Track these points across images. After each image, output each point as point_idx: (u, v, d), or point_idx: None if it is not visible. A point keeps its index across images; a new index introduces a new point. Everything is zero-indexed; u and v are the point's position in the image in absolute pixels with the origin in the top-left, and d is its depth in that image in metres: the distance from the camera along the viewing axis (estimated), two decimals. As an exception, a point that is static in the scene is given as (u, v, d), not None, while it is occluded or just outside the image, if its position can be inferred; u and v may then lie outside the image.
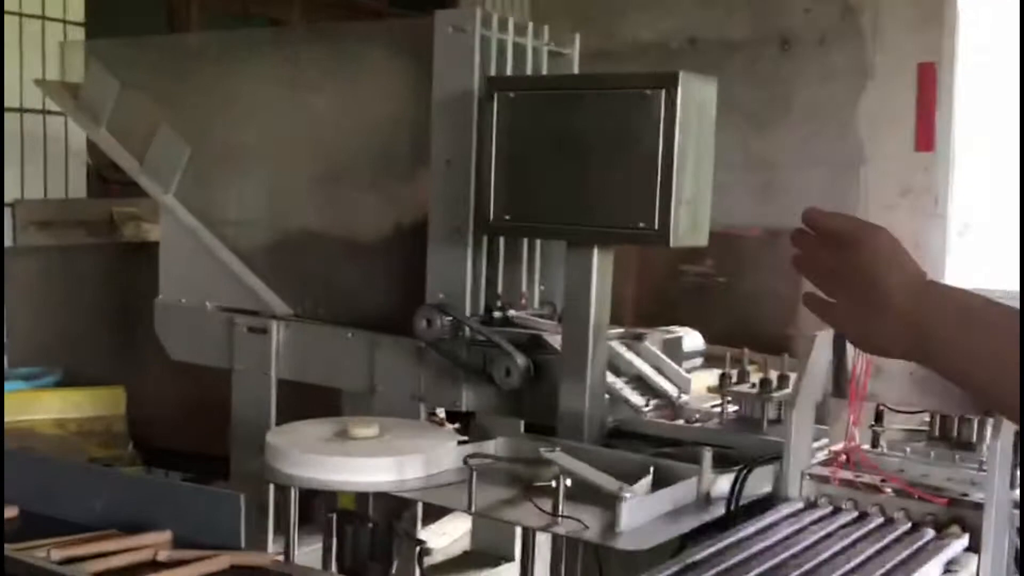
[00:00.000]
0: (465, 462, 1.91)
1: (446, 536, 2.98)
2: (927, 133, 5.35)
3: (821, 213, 1.36)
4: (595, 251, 2.34)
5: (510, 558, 2.93)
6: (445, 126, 2.56)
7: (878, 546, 1.68)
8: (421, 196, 2.65)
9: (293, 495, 2.18)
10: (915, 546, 1.69)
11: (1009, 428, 1.76)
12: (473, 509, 1.89)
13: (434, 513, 2.89)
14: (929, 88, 5.33)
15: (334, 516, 2.11)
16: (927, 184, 5.40)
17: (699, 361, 2.99)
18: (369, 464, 2.01)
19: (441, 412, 3.68)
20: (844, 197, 5.61)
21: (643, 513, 1.81)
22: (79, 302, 3.96)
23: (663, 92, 2.17)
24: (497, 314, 2.64)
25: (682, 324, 3.27)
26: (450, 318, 2.53)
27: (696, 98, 2.23)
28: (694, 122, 2.23)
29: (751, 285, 5.94)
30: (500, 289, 2.68)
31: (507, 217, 2.39)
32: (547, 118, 2.33)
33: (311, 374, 2.89)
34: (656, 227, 2.21)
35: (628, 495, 1.75)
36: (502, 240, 2.67)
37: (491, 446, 2.17)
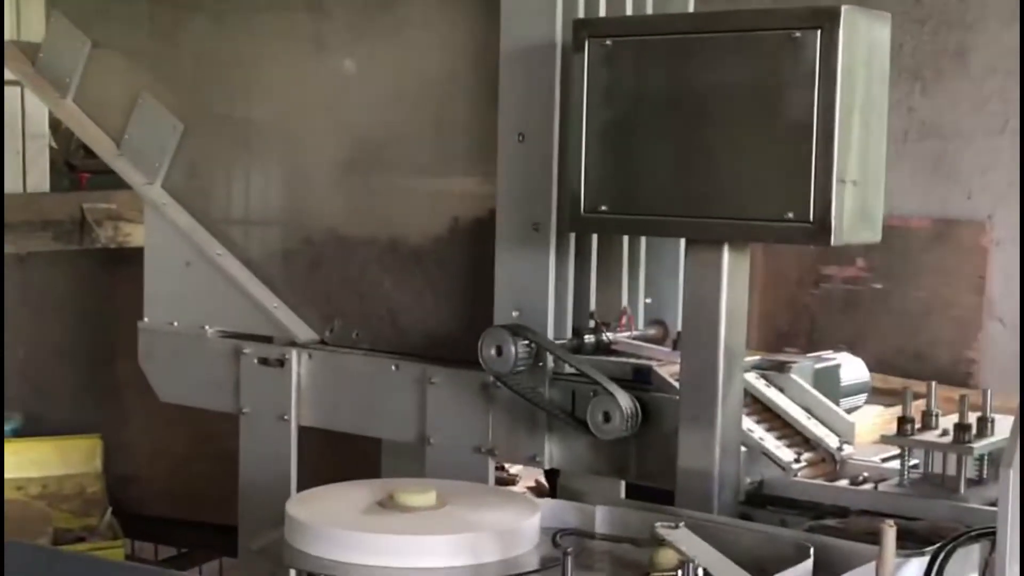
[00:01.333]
0: (555, 542, 1.82)
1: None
2: None
3: None
4: (725, 251, 2.24)
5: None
6: (517, 89, 2.49)
7: None
8: (486, 184, 2.60)
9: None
10: None
11: None
12: (570, 607, 1.79)
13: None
14: None
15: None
16: None
17: (863, 398, 2.88)
18: (426, 544, 1.93)
19: (515, 469, 3.60)
20: (1042, 175, 5.44)
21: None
22: (42, 327, 3.96)
23: (819, 33, 2.07)
24: (590, 338, 2.56)
25: (825, 346, 3.16)
26: (527, 343, 2.44)
27: (864, 41, 2.12)
28: (861, 74, 2.12)
29: (918, 293, 5.79)
30: (593, 304, 2.60)
31: (603, 208, 2.31)
32: (656, 73, 2.24)
33: (343, 419, 2.84)
34: (812, 219, 2.10)
35: None
36: (595, 239, 2.58)
37: (580, 516, 2.08)
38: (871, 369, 3.03)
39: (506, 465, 4.05)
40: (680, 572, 1.73)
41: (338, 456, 3.05)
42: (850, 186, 2.11)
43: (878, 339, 5.90)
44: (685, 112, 2.23)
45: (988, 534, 1.87)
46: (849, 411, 2.72)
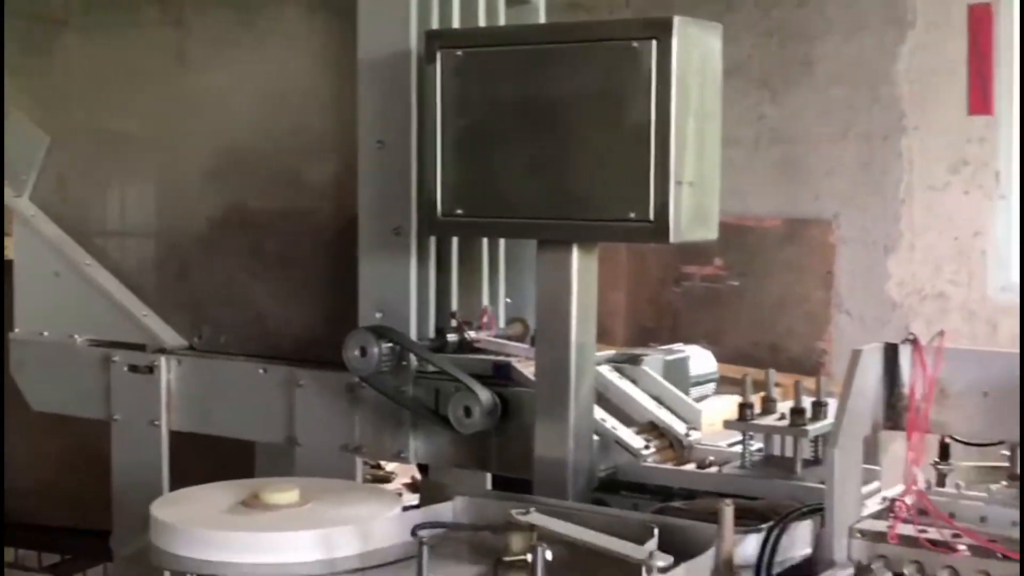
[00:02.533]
0: (414, 534, 1.81)
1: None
2: (983, 93, 5.32)
3: None
4: (574, 251, 2.26)
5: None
6: (375, 97, 2.48)
7: (955, 624, 1.59)
8: (348, 190, 2.57)
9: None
10: (1004, 623, 1.60)
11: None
12: (428, 601, 1.79)
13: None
14: (984, 36, 5.31)
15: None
16: (985, 157, 5.37)
17: (711, 388, 2.91)
18: (286, 540, 1.91)
19: (391, 467, 3.58)
20: (882, 176, 5.59)
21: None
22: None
23: (655, 43, 2.10)
24: (452, 337, 2.55)
25: (687, 340, 3.20)
26: (391, 344, 2.43)
27: (697, 50, 2.16)
28: (695, 81, 2.15)
29: (771, 289, 5.91)
30: (455, 305, 2.60)
31: (459, 212, 2.31)
32: (506, 82, 2.25)
33: (213, 423, 2.80)
34: (651, 218, 2.13)
35: (662, 563, 1.67)
36: (455, 242, 2.59)
37: (447, 510, 2.08)
38: (728, 361, 3.08)
39: (382, 463, 4.03)
40: (531, 554, 1.75)
41: (214, 460, 3.00)
42: (687, 187, 2.14)
43: (737, 333, 6.00)
44: (534, 119, 2.24)
45: (818, 510, 1.92)
46: (699, 400, 2.75)
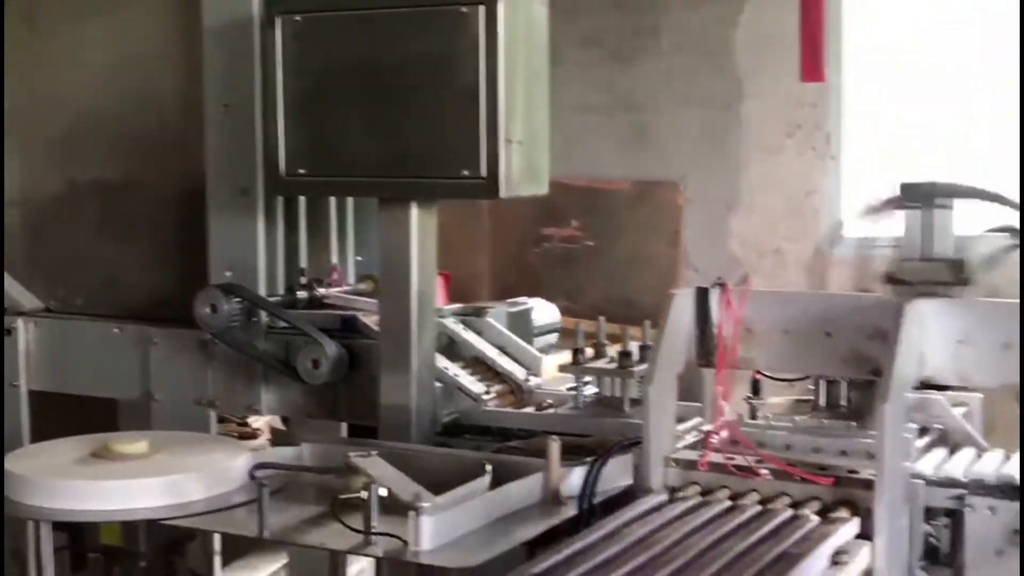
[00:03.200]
0: (252, 476, 1.82)
1: (257, 571, 2.88)
2: (814, 60, 5.45)
3: None
4: (413, 208, 2.28)
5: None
6: (220, 63, 2.46)
7: (753, 539, 1.66)
8: (197, 153, 2.54)
9: (44, 534, 2.05)
10: (796, 536, 1.68)
11: (901, 389, 1.77)
12: (266, 534, 1.80)
13: (243, 545, 2.79)
14: (815, 7, 5.42)
15: (99, 556, 2.00)
16: (817, 121, 5.50)
17: (554, 337, 2.96)
18: (132, 487, 1.91)
19: (259, 423, 3.55)
20: (723, 140, 5.69)
21: (464, 521, 1.76)
22: None
23: (482, 8, 2.12)
24: (302, 293, 2.56)
25: (547, 298, 3.24)
26: (240, 301, 2.42)
27: (523, 15, 2.19)
28: (522, 45, 2.18)
29: (624, 248, 5.98)
30: (304, 263, 2.60)
31: (302, 171, 2.31)
32: (343, 46, 2.25)
33: (71, 382, 2.76)
34: (483, 174, 2.16)
35: (426, 504, 1.70)
36: (302, 201, 2.58)
37: (291, 455, 2.09)
38: (588, 315, 3.10)
39: (249, 421, 4.00)
40: (364, 492, 1.78)
41: (80, 421, 2.96)
42: (516, 146, 2.17)
43: (593, 290, 6.05)
44: (371, 82, 2.25)
45: (637, 443, 1.97)
46: (542, 349, 2.80)
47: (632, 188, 5.97)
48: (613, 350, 2.40)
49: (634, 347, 2.38)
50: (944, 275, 1.84)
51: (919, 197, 1.67)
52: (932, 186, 1.75)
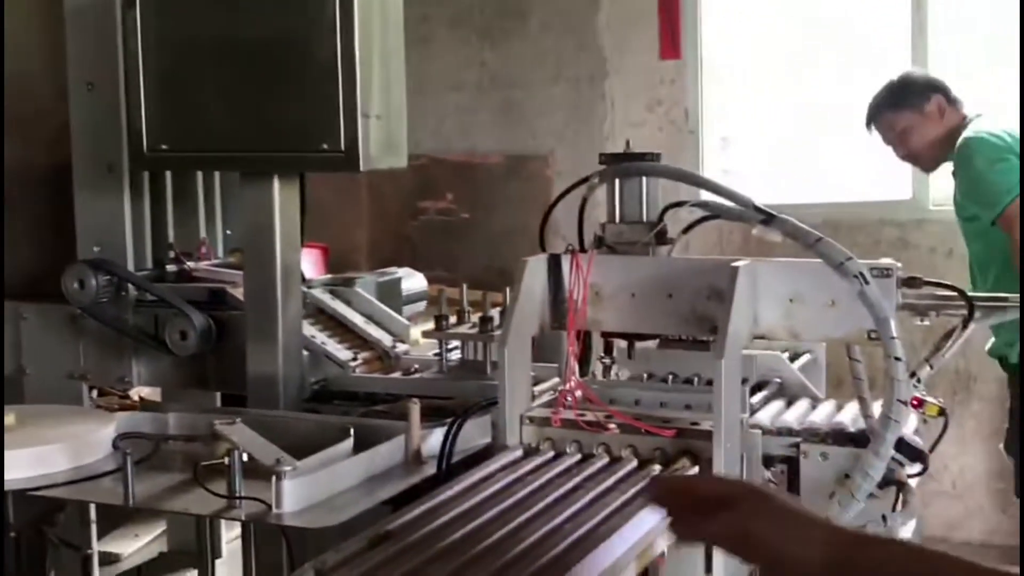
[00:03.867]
0: (114, 445, 1.78)
1: (137, 538, 2.82)
2: (672, 39, 5.52)
3: (695, 481, 1.41)
4: (275, 182, 2.25)
5: (218, 554, 2.82)
6: (82, 42, 2.39)
7: (600, 489, 1.68)
8: (63, 131, 2.46)
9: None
10: (641, 485, 1.70)
11: (736, 346, 1.81)
12: (131, 502, 1.77)
13: (120, 514, 2.73)
14: (671, -13, 5.48)
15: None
16: (676, 96, 5.58)
17: (422, 305, 2.95)
18: None
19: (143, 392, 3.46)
20: (589, 115, 5.74)
21: (327, 484, 1.75)
22: None
23: (337, -14, 2.09)
24: (171, 267, 2.51)
25: (425, 269, 3.22)
26: (108, 276, 2.37)
27: (378, -5, 2.16)
28: (377, 23, 2.16)
29: (498, 219, 6.00)
30: (172, 237, 2.55)
31: (164, 147, 2.25)
32: (202, 23, 2.20)
33: (-57, 358, 2.65)
34: (343, 148, 2.14)
35: (287, 468, 1.69)
36: (169, 176, 2.52)
37: (154, 423, 2.05)
38: (468, 286, 3.09)
39: (130, 395, 3.91)
40: (226, 458, 1.75)
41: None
42: (374, 120, 2.15)
43: (470, 260, 6.06)
44: (231, 57, 2.20)
45: (495, 403, 1.98)
46: (410, 317, 2.79)
47: (504, 162, 5.99)
48: (476, 316, 2.40)
49: (495, 313, 2.39)
50: (642, 235, 1.91)
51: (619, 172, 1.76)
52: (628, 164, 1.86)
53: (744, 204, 1.89)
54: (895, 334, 1.73)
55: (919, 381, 1.84)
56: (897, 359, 1.72)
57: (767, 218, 1.85)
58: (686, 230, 2.09)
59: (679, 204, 2.03)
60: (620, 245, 2.01)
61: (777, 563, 1.26)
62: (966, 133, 3.96)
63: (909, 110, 4.14)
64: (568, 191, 2.15)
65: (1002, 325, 2.55)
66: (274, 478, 1.69)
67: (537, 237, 2.28)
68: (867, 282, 1.73)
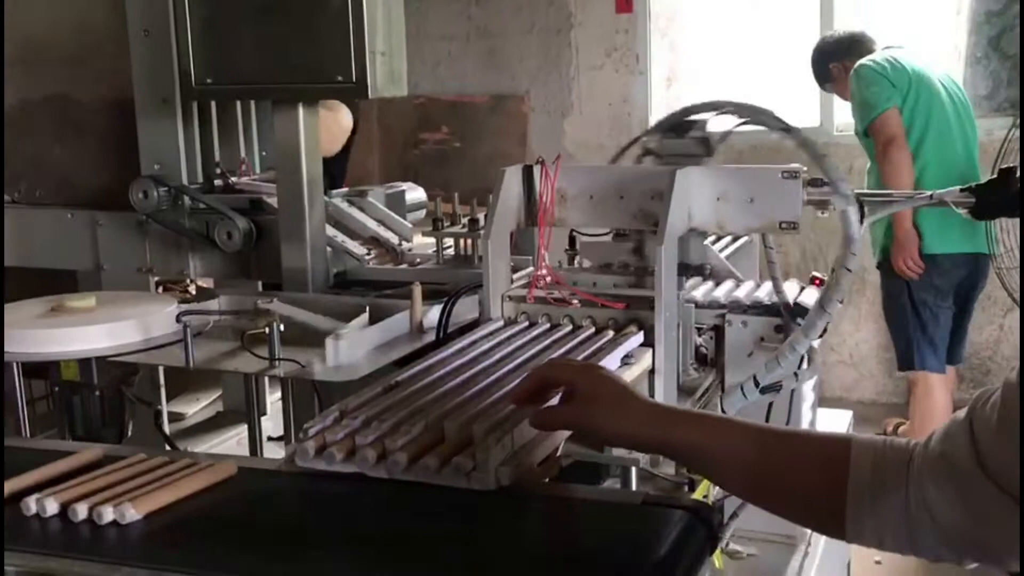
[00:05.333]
0: (178, 320, 1.79)
1: (199, 401, 2.86)
2: (625, -4, 5.44)
3: (551, 372, 1.32)
4: (300, 109, 2.23)
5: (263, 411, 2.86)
6: (138, -5, 2.34)
7: (564, 348, 1.71)
8: (125, 69, 2.42)
9: (16, 373, 2.00)
10: (597, 344, 1.73)
11: (673, 235, 1.82)
12: (191, 365, 1.79)
13: (194, 380, 2.76)
14: (625, -47, 5.39)
15: (59, 389, 1.96)
16: (629, 44, 5.52)
17: (423, 213, 2.95)
18: (83, 332, 1.86)
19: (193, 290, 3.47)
20: (558, 60, 5.68)
21: (356, 348, 1.78)
22: None
23: (349, -57, 2.05)
24: (217, 182, 2.49)
25: (427, 188, 3.21)
26: (167, 188, 2.36)
27: (382, -50, 2.12)
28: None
29: (483, 149, 5.97)
30: (218, 157, 2.53)
31: (209, 81, 2.23)
32: (237, -23, 2.16)
33: (36, 258, 2.63)
34: (354, 79, 2.11)
35: (343, 330, 1.71)
36: (213, 106, 2.49)
37: (212, 305, 2.06)
38: (460, 202, 3.08)
39: (189, 289, 3.91)
40: (267, 329, 1.77)
41: (45, 288, 2.86)
42: (380, 56, 2.13)
43: (462, 182, 6.03)
44: (262, 6, 2.17)
45: (480, 285, 1.99)
46: (414, 224, 2.79)
47: (488, 101, 5.95)
48: (466, 219, 2.41)
49: (481, 216, 2.39)
50: (693, 149, 1.88)
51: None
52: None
53: (769, 115, 1.85)
54: (855, 252, 1.73)
55: (849, 270, 1.83)
56: (847, 270, 1.72)
57: (786, 128, 1.83)
58: (724, 137, 2.02)
59: (715, 107, 1.94)
60: (670, 157, 1.95)
61: (609, 441, 1.25)
62: (856, 64, 3.99)
63: (829, 83, 4.19)
64: (627, 148, 2.09)
65: (878, 221, 2.58)
66: (328, 339, 1.70)
67: (516, 163, 2.25)
68: (859, 202, 1.73)
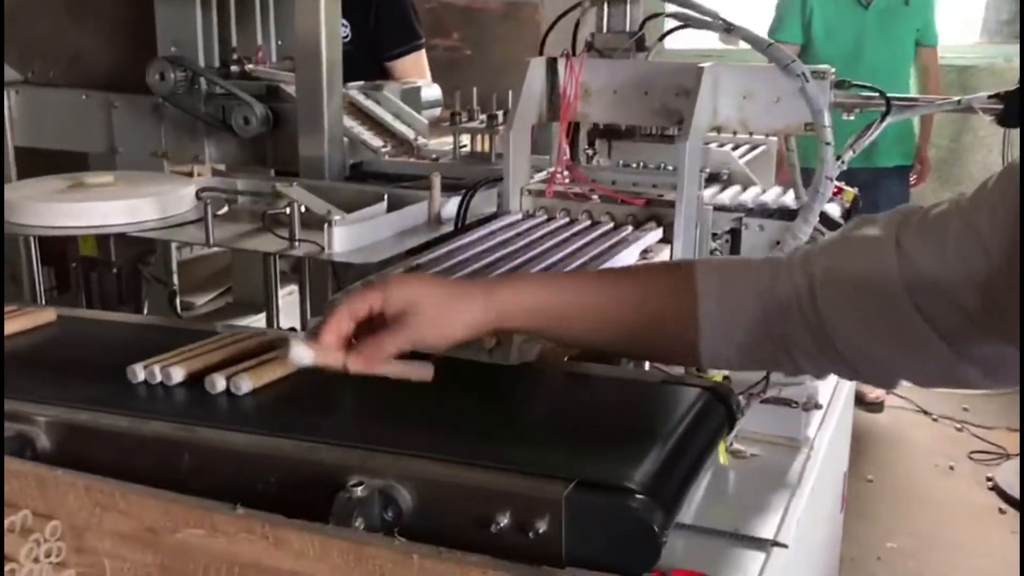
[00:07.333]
0: (198, 196, 1.78)
1: (209, 292, 2.86)
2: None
3: (339, 308, 1.06)
4: (322, -5, 2.17)
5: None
6: None
7: (582, 241, 1.70)
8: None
9: (32, 245, 2.00)
10: (616, 239, 1.73)
11: (698, 133, 1.80)
12: (211, 242, 1.78)
13: (203, 275, 2.76)
14: None
15: (77, 265, 1.96)
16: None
17: (438, 111, 2.92)
18: (100, 208, 1.85)
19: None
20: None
21: (366, 233, 1.77)
22: None
23: None
24: (234, 68, 2.45)
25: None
26: (184, 71, 2.32)
27: None
28: None
29: (495, 55, 5.88)
30: (235, 43, 2.48)
31: (229, -39, 2.17)
32: None
33: (48, 139, 2.61)
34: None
35: (337, 217, 1.70)
36: (231, -8, 2.44)
37: (233, 185, 2.05)
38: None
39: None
40: (289, 209, 1.77)
41: (58, 169, 2.84)
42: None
43: (472, 86, 5.95)
44: None
45: (500, 179, 1.98)
46: (430, 119, 2.76)
47: (500, 7, 5.83)
48: (483, 115, 2.38)
49: (500, 114, 2.36)
50: (624, 42, 1.87)
51: None
52: None
53: (710, 15, 1.85)
54: (827, 124, 1.72)
55: (844, 164, 1.84)
56: (827, 144, 1.72)
57: (728, 26, 1.81)
58: (661, 38, 2.04)
59: (656, 15, 1.98)
60: (607, 50, 1.97)
61: (448, 347, 1.08)
62: None
63: None
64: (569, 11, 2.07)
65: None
66: (326, 225, 1.71)
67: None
68: (808, 80, 1.72)
